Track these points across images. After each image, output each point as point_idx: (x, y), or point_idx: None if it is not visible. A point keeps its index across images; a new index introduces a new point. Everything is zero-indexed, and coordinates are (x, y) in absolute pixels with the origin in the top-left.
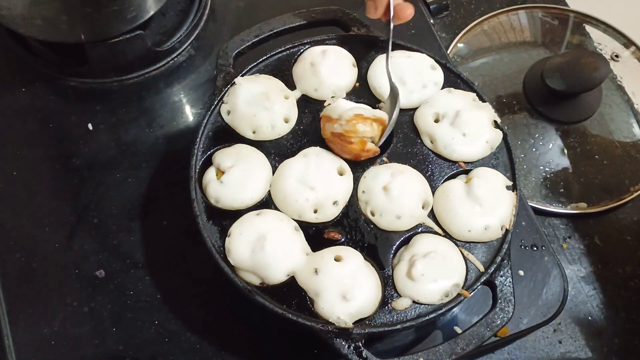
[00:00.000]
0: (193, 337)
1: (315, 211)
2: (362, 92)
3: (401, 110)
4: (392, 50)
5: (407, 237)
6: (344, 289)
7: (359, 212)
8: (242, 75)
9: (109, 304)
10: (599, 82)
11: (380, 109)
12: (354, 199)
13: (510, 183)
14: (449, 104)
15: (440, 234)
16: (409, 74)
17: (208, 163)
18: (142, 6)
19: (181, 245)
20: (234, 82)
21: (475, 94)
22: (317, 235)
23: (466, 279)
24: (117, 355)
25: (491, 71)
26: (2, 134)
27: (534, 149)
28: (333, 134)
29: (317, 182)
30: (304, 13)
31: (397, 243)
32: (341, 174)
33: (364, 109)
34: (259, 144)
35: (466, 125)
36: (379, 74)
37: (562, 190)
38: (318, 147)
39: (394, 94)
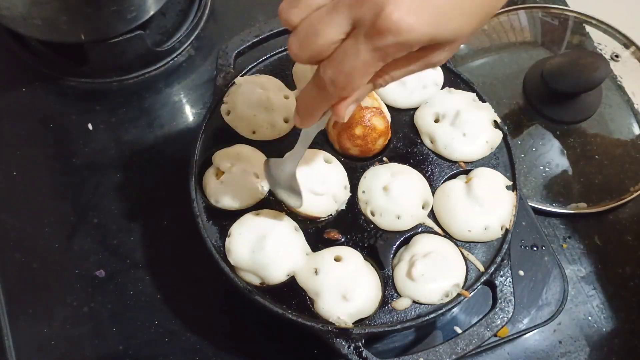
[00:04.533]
0: (193, 337)
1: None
2: None
3: (401, 110)
4: None
5: (407, 237)
6: (344, 289)
7: (359, 212)
8: (242, 75)
9: (109, 304)
10: (599, 82)
11: None
12: (354, 198)
13: (510, 183)
14: (449, 104)
15: (440, 234)
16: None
17: (208, 163)
18: (142, 6)
19: (181, 245)
20: (234, 82)
21: (475, 94)
22: (317, 235)
23: (466, 279)
24: (117, 355)
25: (491, 71)
26: (2, 134)
27: (534, 149)
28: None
29: (317, 182)
30: None
31: (397, 243)
32: (328, 162)
33: None
34: (259, 144)
35: (466, 125)
36: None
37: (562, 190)
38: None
39: None
